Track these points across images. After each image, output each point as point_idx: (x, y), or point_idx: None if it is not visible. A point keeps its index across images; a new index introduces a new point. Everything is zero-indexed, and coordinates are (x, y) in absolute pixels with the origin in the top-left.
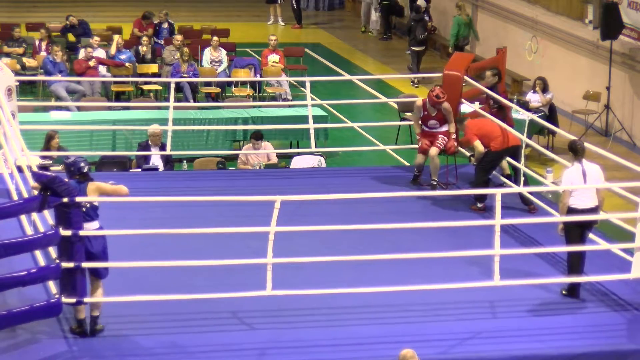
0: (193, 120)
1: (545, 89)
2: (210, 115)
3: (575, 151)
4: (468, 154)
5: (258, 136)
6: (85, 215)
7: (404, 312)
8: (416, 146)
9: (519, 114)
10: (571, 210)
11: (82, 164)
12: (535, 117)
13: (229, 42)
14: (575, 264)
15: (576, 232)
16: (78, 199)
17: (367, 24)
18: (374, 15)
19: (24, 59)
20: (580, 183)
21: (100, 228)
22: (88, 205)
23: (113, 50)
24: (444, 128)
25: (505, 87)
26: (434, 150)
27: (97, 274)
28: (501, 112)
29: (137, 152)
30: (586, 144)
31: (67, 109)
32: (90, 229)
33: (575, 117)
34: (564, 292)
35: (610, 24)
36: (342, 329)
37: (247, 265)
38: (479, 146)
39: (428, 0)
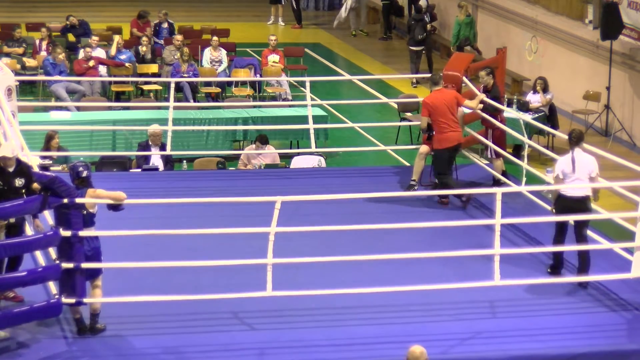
0: (193, 120)
1: (545, 89)
2: (210, 115)
3: (570, 139)
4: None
5: (264, 140)
6: (83, 221)
7: (404, 312)
8: (416, 147)
9: (519, 113)
10: (560, 197)
11: (81, 169)
12: (527, 118)
13: (229, 42)
14: (558, 236)
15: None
16: (77, 200)
17: (356, 27)
18: (344, 11)
19: (24, 59)
20: (568, 170)
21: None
22: (85, 212)
23: (113, 50)
24: None
25: (503, 87)
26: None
27: (94, 274)
28: (491, 111)
29: (137, 152)
30: (586, 145)
31: (67, 109)
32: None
33: (575, 117)
34: (548, 270)
35: (610, 24)
36: (342, 329)
37: (247, 265)
38: (423, 122)
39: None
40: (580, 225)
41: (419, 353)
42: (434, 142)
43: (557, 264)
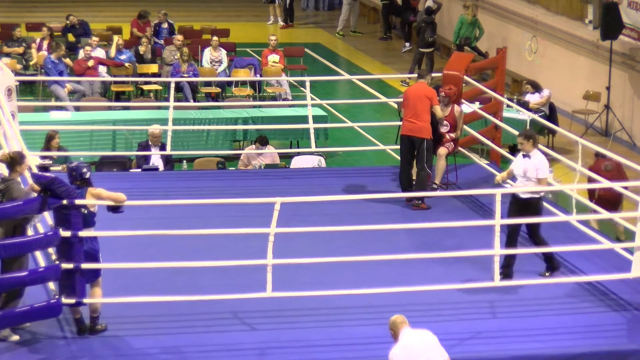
0: (193, 120)
1: (538, 90)
2: (210, 115)
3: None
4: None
5: (264, 141)
6: (83, 220)
7: (404, 312)
8: None
9: (519, 113)
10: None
11: (85, 170)
12: (534, 116)
13: (229, 42)
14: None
15: None
16: (77, 201)
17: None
18: (344, 13)
19: (32, 50)
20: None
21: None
22: (85, 211)
23: (113, 51)
24: (453, 134)
25: (503, 88)
26: (442, 151)
27: (94, 274)
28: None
29: (137, 152)
30: (586, 143)
31: (67, 109)
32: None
33: (575, 117)
34: (547, 274)
35: (610, 24)
36: (342, 329)
37: (247, 266)
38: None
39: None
40: (534, 228)
41: (400, 322)
42: None
43: (553, 266)
